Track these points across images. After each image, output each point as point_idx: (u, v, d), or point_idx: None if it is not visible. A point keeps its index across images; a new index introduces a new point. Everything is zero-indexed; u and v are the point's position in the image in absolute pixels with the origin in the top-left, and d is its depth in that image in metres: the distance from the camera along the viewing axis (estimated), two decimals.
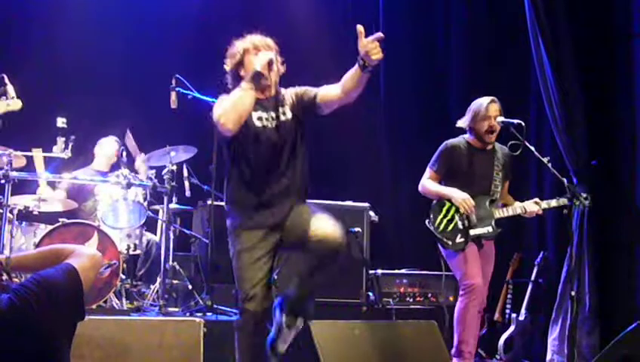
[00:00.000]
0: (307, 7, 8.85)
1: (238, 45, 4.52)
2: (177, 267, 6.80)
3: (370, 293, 6.91)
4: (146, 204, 6.70)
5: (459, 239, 5.50)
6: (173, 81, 6.57)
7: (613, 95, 6.72)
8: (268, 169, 4.34)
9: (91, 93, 7.83)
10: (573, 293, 5.67)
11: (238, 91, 4.25)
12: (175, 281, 6.86)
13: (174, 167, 6.70)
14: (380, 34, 4.16)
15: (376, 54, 4.17)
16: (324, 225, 4.13)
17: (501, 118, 5.53)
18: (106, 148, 7.51)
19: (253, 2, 8.58)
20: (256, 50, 4.44)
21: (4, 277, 2.85)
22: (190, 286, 6.79)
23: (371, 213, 6.97)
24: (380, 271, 7.02)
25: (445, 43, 8.75)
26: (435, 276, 7.00)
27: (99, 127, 7.61)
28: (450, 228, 5.53)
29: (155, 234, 7.23)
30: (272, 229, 4.30)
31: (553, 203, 5.64)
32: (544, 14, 6.54)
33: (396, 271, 7.12)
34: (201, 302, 6.42)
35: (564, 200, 5.55)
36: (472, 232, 5.51)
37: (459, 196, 5.50)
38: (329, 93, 4.47)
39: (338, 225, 4.18)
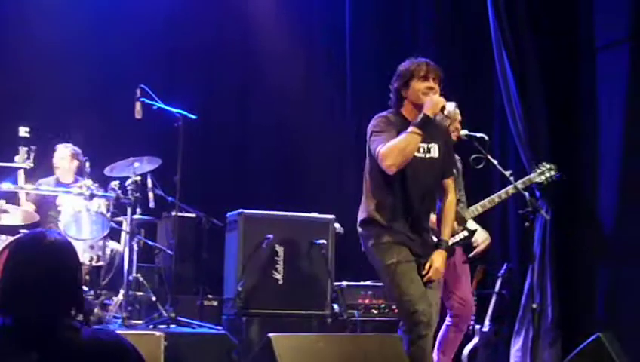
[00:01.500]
0: (273, 11, 8.83)
1: (409, 67, 4.55)
2: (141, 278, 6.74)
3: (335, 305, 6.89)
4: (109, 215, 6.64)
5: None
6: (138, 92, 6.55)
7: (577, 109, 6.78)
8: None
9: (54, 103, 7.75)
10: (534, 306, 5.72)
11: (407, 136, 4.33)
12: (139, 293, 6.79)
13: (138, 178, 6.64)
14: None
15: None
16: None
17: (465, 132, 5.55)
18: (57, 155, 7.39)
19: (218, 10, 8.55)
20: (424, 80, 4.47)
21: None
22: (154, 298, 6.73)
23: (336, 225, 6.96)
24: (344, 283, 7.02)
25: (412, 48, 8.76)
26: None
27: (61, 138, 7.52)
28: None
29: (119, 246, 7.17)
30: None
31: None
32: (508, 28, 6.59)
33: (361, 283, 7.12)
34: (164, 314, 6.36)
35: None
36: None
37: None
38: (445, 193, 4.73)
39: None
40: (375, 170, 4.57)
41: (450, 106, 4.48)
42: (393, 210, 4.51)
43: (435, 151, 4.55)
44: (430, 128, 4.41)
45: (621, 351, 5.08)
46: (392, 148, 4.32)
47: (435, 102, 4.34)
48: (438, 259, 4.52)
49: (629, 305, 6.11)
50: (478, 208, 5.66)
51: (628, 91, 6.26)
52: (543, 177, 5.68)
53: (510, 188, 5.57)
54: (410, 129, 4.32)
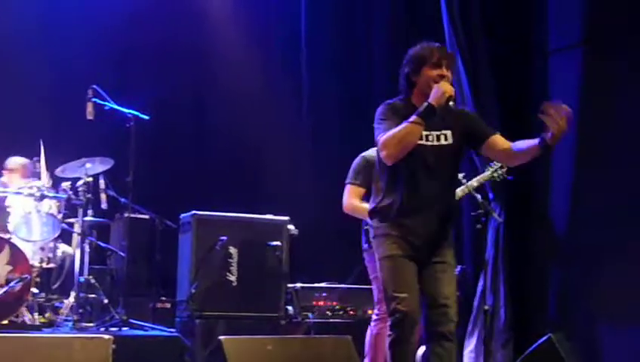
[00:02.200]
0: (228, 12, 8.80)
1: (421, 52, 4.31)
2: (92, 281, 6.66)
3: (290, 307, 6.89)
4: (60, 216, 6.57)
5: None
6: (90, 92, 6.49)
7: (529, 110, 6.81)
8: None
9: (4, 103, 7.63)
10: (486, 307, 5.77)
11: (408, 126, 4.09)
12: (90, 295, 6.72)
13: (90, 179, 6.58)
14: (567, 109, 4.06)
15: (564, 130, 4.08)
16: None
17: None
18: (16, 170, 7.24)
19: (172, 10, 8.49)
20: (437, 67, 4.24)
21: None
22: (106, 301, 6.66)
23: (291, 227, 6.95)
24: (299, 285, 7.01)
25: (368, 51, 8.79)
26: (354, 290, 7.03)
27: (11, 138, 7.40)
28: None
29: (71, 247, 7.08)
30: None
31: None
32: (462, 31, 6.63)
33: (316, 285, 7.12)
34: (116, 316, 6.30)
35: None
36: None
37: None
38: (500, 146, 4.39)
39: None
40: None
41: None
42: (401, 200, 4.26)
43: (448, 137, 4.28)
44: (442, 115, 4.18)
45: (572, 351, 5.15)
46: (390, 138, 4.12)
47: (442, 92, 4.10)
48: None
49: (580, 306, 6.18)
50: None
51: (579, 94, 6.33)
52: (495, 174, 5.70)
53: (464, 188, 5.58)
54: (412, 118, 4.09)
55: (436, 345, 4.19)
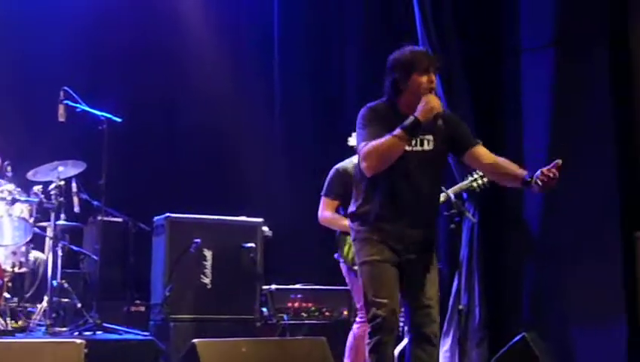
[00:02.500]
0: (200, 14, 8.77)
1: (409, 58, 4.25)
2: (66, 285, 6.61)
3: (265, 309, 6.88)
4: (32, 220, 6.51)
5: None
6: (62, 94, 6.44)
7: (501, 109, 6.88)
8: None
9: None
10: (461, 307, 5.79)
11: (392, 140, 4.04)
12: (63, 300, 6.67)
13: (62, 183, 6.51)
14: (559, 162, 4.18)
15: (550, 187, 4.21)
16: None
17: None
18: None
19: (144, 12, 8.44)
20: (425, 73, 4.19)
21: None
22: (79, 305, 6.61)
23: (265, 228, 6.94)
24: (274, 287, 7.01)
25: (340, 52, 8.79)
26: (330, 291, 7.03)
27: None
28: None
29: (43, 252, 7.01)
30: None
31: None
32: (435, 32, 6.65)
33: (290, 287, 7.12)
34: (90, 320, 6.25)
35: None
36: None
37: None
38: (484, 158, 4.34)
39: None
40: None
41: None
42: (380, 205, 4.25)
43: (430, 142, 4.24)
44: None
45: (545, 350, 5.18)
46: (372, 151, 4.08)
47: (430, 108, 4.05)
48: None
49: (554, 306, 6.21)
50: None
51: (552, 94, 6.38)
52: (475, 184, 5.71)
53: (443, 195, 5.60)
54: (397, 132, 4.04)
55: (418, 348, 4.20)
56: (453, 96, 6.61)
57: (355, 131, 5.42)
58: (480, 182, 5.66)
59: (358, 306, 5.47)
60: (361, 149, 4.16)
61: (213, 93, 8.50)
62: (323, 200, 5.59)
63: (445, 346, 6.57)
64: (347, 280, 5.60)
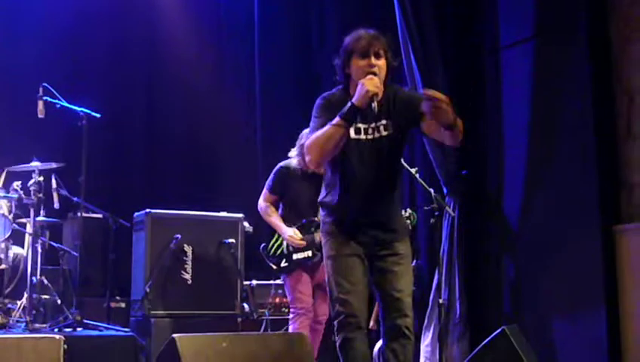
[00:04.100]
0: (180, 8, 8.77)
1: (349, 42, 4.16)
2: (45, 281, 6.59)
3: (245, 304, 6.87)
4: (11, 216, 6.48)
5: (283, 263, 5.89)
6: (41, 90, 6.41)
7: (482, 106, 6.88)
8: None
9: None
10: (441, 301, 5.82)
11: (330, 129, 3.96)
12: (43, 296, 6.64)
13: (41, 178, 6.48)
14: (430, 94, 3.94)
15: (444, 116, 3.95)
16: None
17: None
18: None
19: (124, 7, 8.41)
20: (365, 57, 4.08)
21: None
22: (59, 301, 6.59)
23: (246, 224, 6.95)
24: (254, 282, 7.01)
25: (321, 49, 8.78)
26: None
27: None
28: (278, 252, 5.91)
29: (23, 248, 6.98)
30: None
31: None
32: (414, 24, 6.64)
33: (271, 282, 7.11)
34: (70, 316, 6.23)
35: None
36: (294, 257, 5.85)
37: (285, 233, 5.87)
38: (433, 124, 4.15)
39: None
40: None
41: None
42: (339, 195, 4.18)
43: (388, 127, 4.16)
44: (382, 104, 4.07)
45: (525, 344, 5.19)
46: (313, 143, 4.03)
47: (365, 92, 3.92)
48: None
49: (534, 299, 6.24)
50: None
51: (531, 88, 6.39)
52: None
53: None
54: (336, 120, 3.95)
55: (392, 341, 4.14)
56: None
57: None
58: (410, 220, 5.83)
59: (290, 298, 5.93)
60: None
61: (193, 89, 8.50)
62: (264, 191, 6.05)
63: (426, 341, 6.59)
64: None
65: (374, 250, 4.18)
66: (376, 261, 4.17)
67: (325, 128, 3.98)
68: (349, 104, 3.96)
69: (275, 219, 5.95)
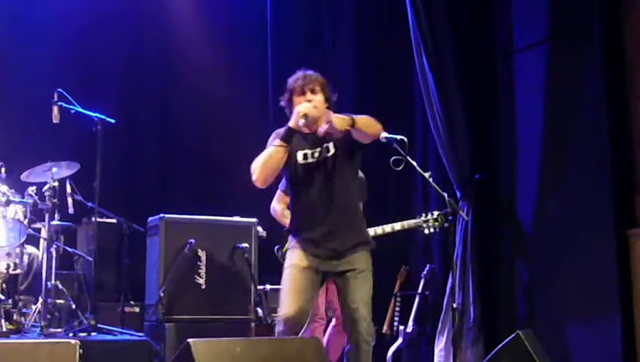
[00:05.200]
0: (193, 13, 8.78)
1: (290, 83, 4.66)
2: (60, 286, 6.60)
3: (259, 309, 6.87)
4: (26, 221, 6.51)
5: None
6: (55, 96, 6.43)
7: (495, 110, 6.89)
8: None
9: None
10: (455, 305, 5.80)
11: (269, 150, 4.48)
12: (58, 301, 6.66)
13: (56, 184, 6.50)
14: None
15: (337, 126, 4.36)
16: None
17: (384, 134, 5.58)
18: None
19: (137, 13, 8.44)
20: (302, 95, 4.56)
21: None
22: (74, 306, 6.61)
23: (259, 228, 6.94)
24: (268, 287, 7.00)
25: (335, 53, 8.77)
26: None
27: None
28: None
29: (38, 250, 7.01)
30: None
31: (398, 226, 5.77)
32: (427, 29, 6.66)
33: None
34: (85, 321, 6.25)
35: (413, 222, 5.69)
36: None
37: None
38: None
39: None
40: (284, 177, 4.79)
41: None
42: (300, 216, 4.65)
43: (331, 148, 4.56)
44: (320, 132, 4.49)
45: (540, 348, 5.18)
46: (255, 164, 4.50)
47: (296, 114, 4.42)
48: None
49: (548, 303, 6.23)
50: (377, 230, 5.71)
51: (545, 91, 6.39)
52: (424, 224, 5.77)
53: (386, 228, 5.75)
54: (274, 142, 4.48)
55: (352, 346, 4.56)
56: (445, 94, 6.63)
57: None
58: (431, 223, 5.71)
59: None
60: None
61: (207, 94, 8.51)
62: (277, 193, 5.90)
63: (440, 345, 6.60)
64: None
65: (333, 265, 4.55)
66: (337, 275, 4.57)
67: (266, 150, 4.50)
68: (285, 127, 4.46)
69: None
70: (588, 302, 5.92)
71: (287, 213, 5.73)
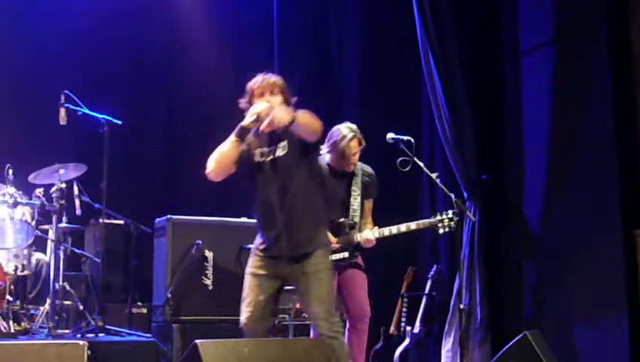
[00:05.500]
0: (199, 16, 8.80)
1: (249, 86, 4.77)
2: (68, 287, 6.62)
3: None
4: (34, 223, 6.53)
5: None
6: (62, 97, 6.45)
7: (502, 111, 6.87)
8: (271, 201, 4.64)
9: None
10: (462, 306, 5.79)
11: (223, 145, 4.63)
12: (66, 302, 6.68)
13: (64, 185, 6.52)
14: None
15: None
16: None
17: (391, 135, 5.59)
18: None
19: (143, 15, 8.45)
20: (260, 96, 4.68)
21: None
22: (81, 307, 6.63)
23: None
24: None
25: (340, 53, 8.77)
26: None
27: None
28: None
29: (45, 254, 7.03)
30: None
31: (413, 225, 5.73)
32: (434, 30, 6.65)
33: (292, 287, 7.08)
34: (92, 322, 6.27)
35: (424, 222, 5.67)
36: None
37: None
38: None
39: None
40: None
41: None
42: (258, 215, 4.79)
43: (284, 148, 4.65)
44: (278, 133, 4.59)
45: (547, 349, 5.17)
46: (211, 157, 4.66)
47: (250, 112, 4.56)
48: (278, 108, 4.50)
49: (555, 304, 6.21)
50: (384, 231, 5.67)
51: (552, 91, 6.38)
52: (440, 224, 5.70)
53: (400, 227, 5.65)
54: (230, 136, 4.63)
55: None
56: (452, 96, 6.62)
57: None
58: (446, 223, 5.66)
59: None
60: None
61: (213, 94, 8.50)
62: None
63: (447, 346, 6.59)
64: None
65: (291, 267, 4.63)
66: (296, 278, 4.68)
67: (221, 145, 4.64)
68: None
69: None
70: (595, 302, 5.91)
71: None
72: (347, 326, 5.75)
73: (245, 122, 4.57)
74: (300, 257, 4.62)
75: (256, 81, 4.75)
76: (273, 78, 4.76)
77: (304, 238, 4.62)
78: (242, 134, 4.61)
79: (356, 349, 5.72)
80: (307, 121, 4.51)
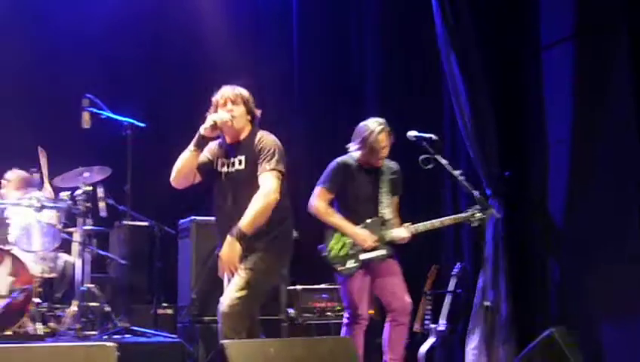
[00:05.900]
0: (220, 16, 8.84)
1: (214, 97, 4.97)
2: (94, 289, 6.68)
3: (290, 309, 6.90)
4: (60, 226, 6.59)
5: (350, 264, 5.62)
6: (85, 101, 6.50)
7: (524, 106, 6.85)
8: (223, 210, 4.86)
9: (1, 115, 7.64)
10: (486, 303, 5.78)
11: (183, 153, 4.82)
12: (92, 304, 6.74)
13: (88, 188, 6.59)
14: None
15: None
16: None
17: (413, 133, 5.59)
18: (12, 182, 7.23)
19: (164, 17, 8.50)
20: (224, 106, 4.88)
21: None
22: (108, 309, 6.67)
23: None
24: (299, 287, 7.02)
25: (360, 51, 8.76)
26: None
27: (7, 146, 7.39)
28: (342, 253, 5.64)
29: (71, 255, 7.09)
30: None
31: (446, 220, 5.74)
32: (454, 27, 6.63)
33: (316, 286, 7.12)
34: (119, 324, 6.32)
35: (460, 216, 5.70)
36: (362, 257, 5.61)
37: (359, 234, 5.60)
38: None
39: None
40: None
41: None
42: (215, 223, 5.01)
43: (242, 162, 4.83)
44: (241, 143, 4.85)
45: (574, 345, 5.16)
46: (174, 166, 4.84)
47: (207, 121, 4.77)
48: (224, 247, 4.66)
49: (581, 300, 6.19)
50: (418, 227, 5.67)
51: (573, 86, 6.35)
52: (472, 218, 5.71)
53: (435, 222, 5.72)
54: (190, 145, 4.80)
55: None
56: (474, 93, 6.59)
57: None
58: (477, 216, 5.66)
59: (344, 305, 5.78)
60: None
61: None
62: (319, 190, 5.74)
63: (472, 344, 6.57)
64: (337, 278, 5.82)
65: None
66: None
67: (182, 153, 4.83)
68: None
69: (338, 219, 5.65)
70: (621, 298, 5.87)
71: (332, 210, 5.71)
72: (387, 320, 5.72)
73: (202, 129, 4.74)
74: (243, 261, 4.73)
75: (219, 92, 4.96)
76: (238, 90, 4.96)
77: (250, 246, 4.70)
78: (200, 143, 4.79)
79: (398, 346, 5.69)
80: (255, 221, 4.62)
